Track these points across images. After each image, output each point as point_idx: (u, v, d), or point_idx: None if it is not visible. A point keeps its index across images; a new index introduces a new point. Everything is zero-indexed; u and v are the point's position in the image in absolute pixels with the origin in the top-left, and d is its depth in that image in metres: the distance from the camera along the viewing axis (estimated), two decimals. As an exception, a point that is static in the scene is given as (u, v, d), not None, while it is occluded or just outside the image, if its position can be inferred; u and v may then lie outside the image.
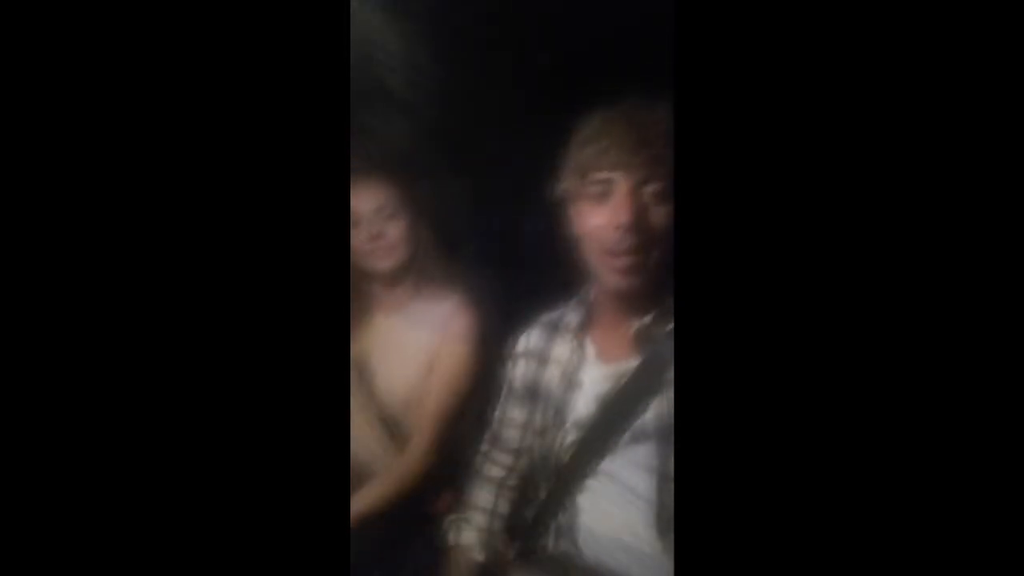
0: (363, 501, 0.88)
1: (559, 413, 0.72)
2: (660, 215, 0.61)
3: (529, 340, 0.79)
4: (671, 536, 0.60)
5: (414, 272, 0.99)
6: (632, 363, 0.67)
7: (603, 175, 0.61)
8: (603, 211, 0.62)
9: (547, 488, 0.75)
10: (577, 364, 0.71)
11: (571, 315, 0.74)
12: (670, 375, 0.62)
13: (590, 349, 0.72)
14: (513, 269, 1.05)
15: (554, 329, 0.77)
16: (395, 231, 0.96)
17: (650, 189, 0.60)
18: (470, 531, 0.77)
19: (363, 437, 0.98)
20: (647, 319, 0.65)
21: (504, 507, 0.77)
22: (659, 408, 0.64)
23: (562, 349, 0.74)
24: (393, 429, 0.97)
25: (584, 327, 0.73)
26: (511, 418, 0.78)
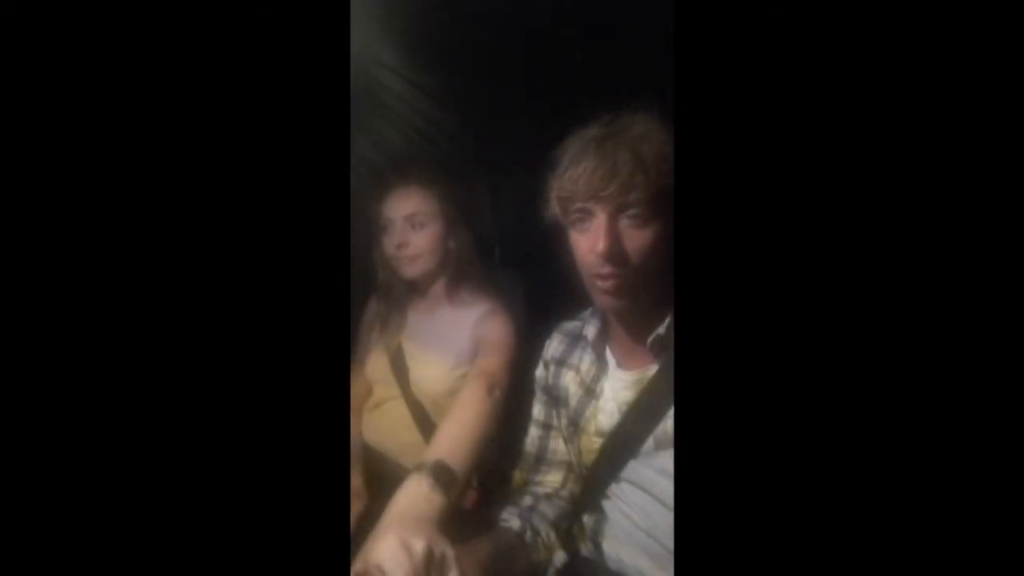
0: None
1: (583, 420, 0.72)
2: (640, 238, 0.60)
3: (551, 348, 0.79)
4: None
5: (445, 278, 1.00)
6: (652, 370, 0.67)
7: (580, 204, 0.62)
8: (586, 237, 0.62)
9: (572, 494, 0.75)
10: (598, 374, 0.72)
11: (589, 327, 0.74)
12: None
13: (611, 358, 0.72)
14: (534, 274, 1.05)
15: (575, 339, 0.77)
16: (421, 241, 0.97)
17: (627, 216, 0.60)
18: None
19: (394, 433, 1.01)
20: (660, 329, 0.65)
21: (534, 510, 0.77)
22: None
23: (584, 359, 0.74)
24: (426, 424, 0.98)
25: (603, 338, 0.73)
26: (537, 421, 0.79)
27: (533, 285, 1.06)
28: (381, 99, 0.98)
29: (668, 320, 0.65)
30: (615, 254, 0.60)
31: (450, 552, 0.48)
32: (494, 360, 0.88)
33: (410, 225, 0.96)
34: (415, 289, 1.03)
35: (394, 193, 0.98)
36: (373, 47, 0.93)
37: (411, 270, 0.98)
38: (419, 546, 0.47)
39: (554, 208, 0.65)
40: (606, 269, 0.61)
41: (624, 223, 0.60)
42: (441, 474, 0.58)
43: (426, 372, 0.99)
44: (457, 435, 0.67)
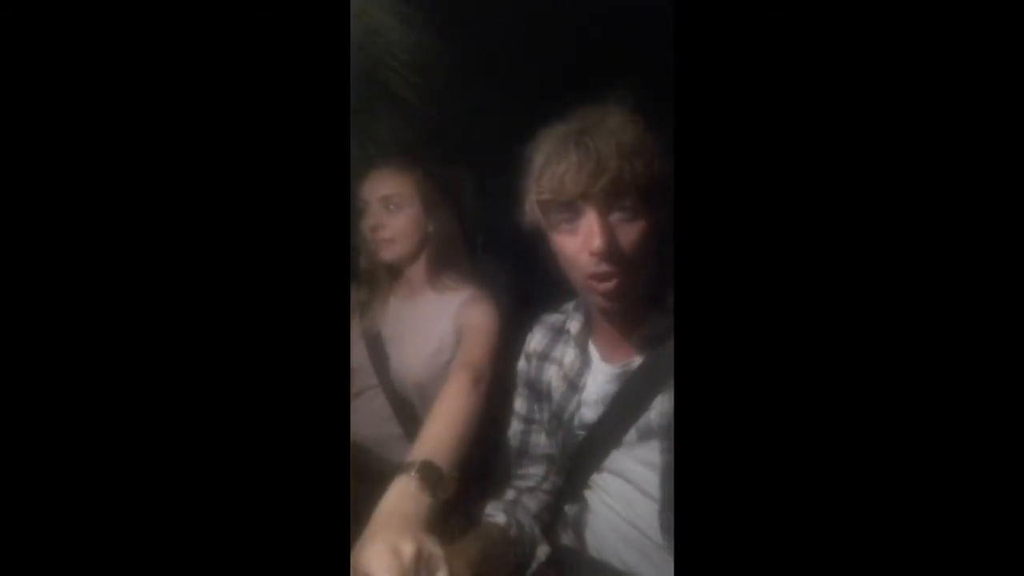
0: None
1: (566, 415, 0.72)
2: (633, 231, 0.59)
3: (534, 341, 0.79)
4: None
5: (424, 263, 0.99)
6: (635, 362, 0.67)
7: (566, 204, 0.59)
8: (575, 238, 0.60)
9: (554, 486, 0.75)
10: (582, 368, 0.72)
11: (573, 322, 0.74)
12: (672, 373, 0.61)
13: (594, 352, 0.72)
14: (518, 262, 1.04)
15: (558, 333, 0.77)
16: (397, 224, 0.95)
17: (617, 211, 0.59)
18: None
19: (373, 424, 0.99)
20: (645, 328, 0.65)
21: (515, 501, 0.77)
22: (663, 406, 0.64)
23: (567, 354, 0.74)
24: (407, 413, 0.98)
25: (586, 333, 0.73)
26: (519, 415, 0.79)
27: (517, 273, 1.05)
28: (372, 83, 0.96)
29: (655, 318, 0.65)
30: (612, 251, 0.58)
31: (439, 553, 0.48)
32: (477, 349, 0.86)
33: (385, 207, 0.94)
34: (395, 273, 1.01)
35: (371, 174, 0.96)
36: (366, 34, 0.91)
37: (388, 253, 0.96)
38: (408, 549, 0.46)
39: (533, 213, 0.63)
40: (603, 268, 0.59)
41: (616, 217, 0.59)
42: (428, 474, 0.57)
43: (407, 359, 0.97)
44: (443, 433, 0.66)
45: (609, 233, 0.58)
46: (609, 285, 0.60)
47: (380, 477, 0.58)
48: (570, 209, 0.59)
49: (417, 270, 0.99)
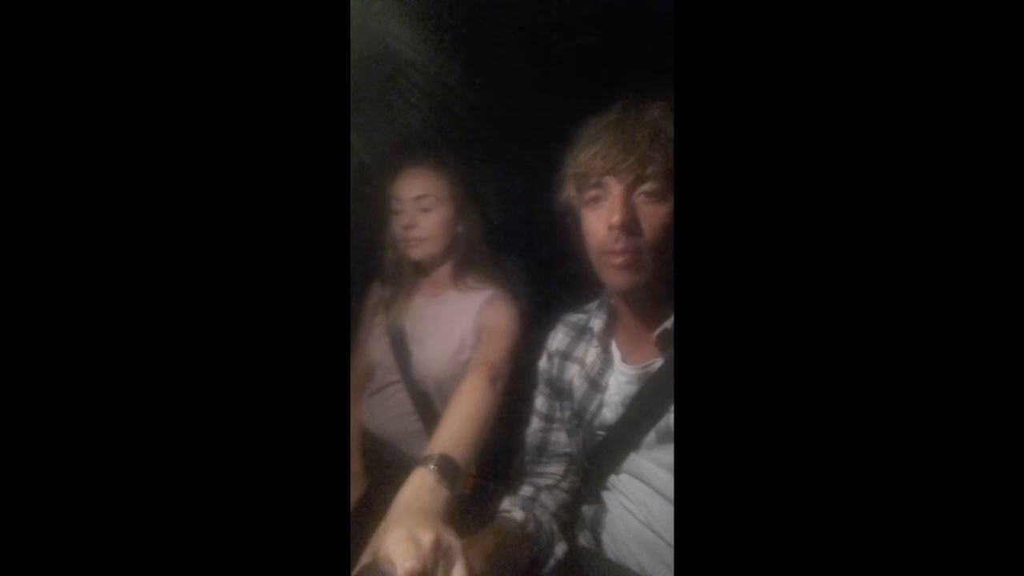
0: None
1: (587, 414, 0.72)
2: (655, 215, 0.61)
3: (556, 340, 0.79)
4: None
5: (451, 262, 1.00)
6: (656, 364, 0.66)
7: (596, 180, 0.63)
8: (599, 215, 0.63)
9: (573, 485, 0.76)
10: (604, 368, 0.72)
11: (596, 320, 0.74)
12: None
13: (616, 352, 0.72)
14: (541, 263, 1.05)
15: (581, 332, 0.77)
16: (429, 224, 0.97)
17: (643, 190, 0.61)
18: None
19: (394, 419, 1.01)
20: (668, 323, 0.64)
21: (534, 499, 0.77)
22: None
23: (589, 353, 0.74)
24: (427, 409, 0.99)
25: (609, 332, 0.73)
26: (540, 413, 0.79)
27: (540, 274, 1.06)
28: (397, 80, 0.98)
29: (674, 315, 0.64)
30: (629, 226, 0.60)
31: (456, 543, 0.49)
32: (496, 349, 0.87)
33: (419, 207, 0.96)
34: (422, 272, 1.03)
35: (404, 174, 0.98)
36: (389, 30, 0.92)
37: (418, 252, 0.98)
38: (427, 538, 0.47)
39: (568, 188, 0.66)
40: (619, 244, 0.61)
41: (640, 198, 0.61)
42: (446, 467, 0.58)
43: (429, 356, 0.99)
44: (460, 428, 0.67)
45: (630, 208, 0.60)
46: (620, 260, 0.61)
47: (399, 470, 0.59)
48: (599, 186, 0.62)
49: (443, 270, 1.01)
